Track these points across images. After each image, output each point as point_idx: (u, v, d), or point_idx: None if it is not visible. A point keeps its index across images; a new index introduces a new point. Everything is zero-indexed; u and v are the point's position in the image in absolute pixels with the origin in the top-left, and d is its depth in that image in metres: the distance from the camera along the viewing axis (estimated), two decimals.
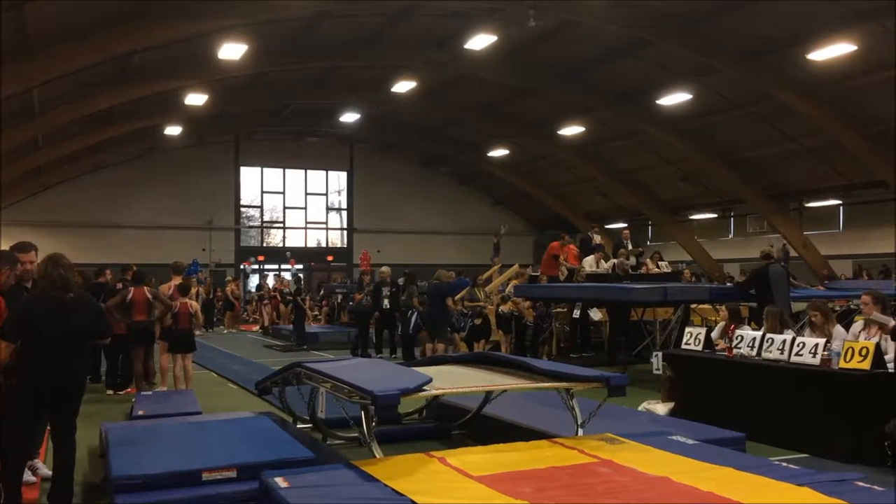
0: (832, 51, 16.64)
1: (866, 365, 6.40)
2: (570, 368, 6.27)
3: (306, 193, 33.96)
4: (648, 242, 30.10)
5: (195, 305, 10.20)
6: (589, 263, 14.52)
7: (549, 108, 24.65)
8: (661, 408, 8.29)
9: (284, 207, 33.75)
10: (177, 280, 10.43)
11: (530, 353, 13.60)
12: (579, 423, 5.81)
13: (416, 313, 14.05)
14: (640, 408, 8.34)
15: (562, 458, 4.99)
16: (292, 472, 4.73)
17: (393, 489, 4.28)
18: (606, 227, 28.23)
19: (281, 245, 33.30)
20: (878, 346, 6.54)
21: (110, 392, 10.50)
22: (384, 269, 15.45)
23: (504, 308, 13.81)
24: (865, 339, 6.82)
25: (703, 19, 17.59)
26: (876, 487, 4.38)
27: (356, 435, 6.53)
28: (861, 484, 4.44)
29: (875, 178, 21.41)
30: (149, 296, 9.99)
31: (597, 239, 15.89)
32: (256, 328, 23.55)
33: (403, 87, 22.25)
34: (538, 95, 23.86)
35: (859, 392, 6.39)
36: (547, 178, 31.67)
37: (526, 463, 4.88)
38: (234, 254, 32.06)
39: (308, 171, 33.74)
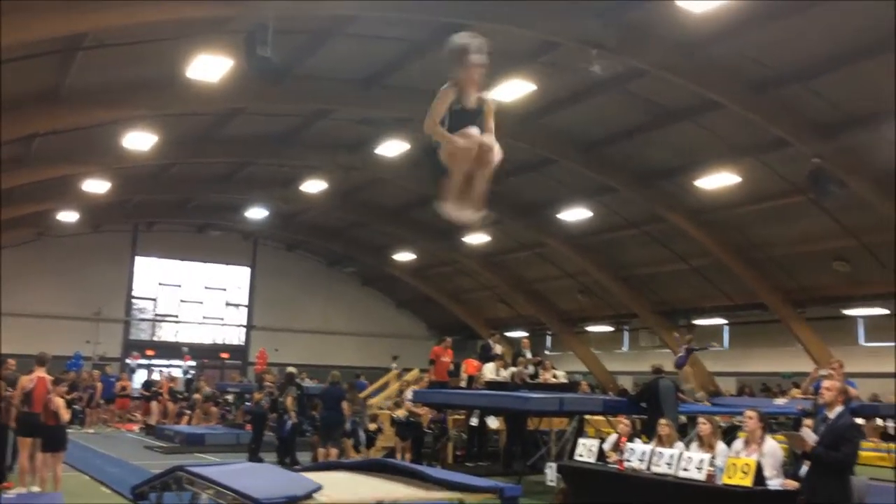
0: (717, 180, 17.99)
1: (748, 482, 6.60)
2: (464, 478, 6.20)
3: (205, 287, 33.07)
4: (547, 352, 30.60)
5: (57, 402, 9.45)
6: (489, 371, 14.62)
7: None
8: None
9: (180, 301, 32.67)
10: (40, 372, 9.71)
11: (426, 460, 13.35)
12: None
13: (288, 416, 13.64)
14: None
15: None
16: None
17: None
18: (507, 334, 28.63)
19: (173, 340, 32.00)
20: (758, 463, 6.78)
21: None
22: (290, 369, 15.09)
23: (399, 413, 13.60)
24: (746, 455, 7.06)
25: (602, 144, 18.74)
26: None
27: None
28: None
29: (756, 301, 22.77)
30: None
31: (497, 348, 16.08)
32: (136, 427, 22.20)
33: (313, 187, 22.42)
34: None
35: None
36: (450, 284, 32.08)
37: None
38: (120, 347, 30.53)
39: (208, 265, 33.01)
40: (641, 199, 20.61)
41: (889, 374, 20.88)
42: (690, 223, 20.75)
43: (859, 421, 9.06)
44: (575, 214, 21.91)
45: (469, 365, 15.43)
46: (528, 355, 15.84)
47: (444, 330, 34.34)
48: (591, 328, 30.23)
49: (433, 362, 15.46)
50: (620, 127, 17.76)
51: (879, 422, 16.32)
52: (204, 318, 32.93)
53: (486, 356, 15.55)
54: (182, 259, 32.41)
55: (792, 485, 6.68)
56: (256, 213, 26.22)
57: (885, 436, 16.23)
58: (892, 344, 22.03)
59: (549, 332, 32.00)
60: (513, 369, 14.62)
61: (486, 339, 21.02)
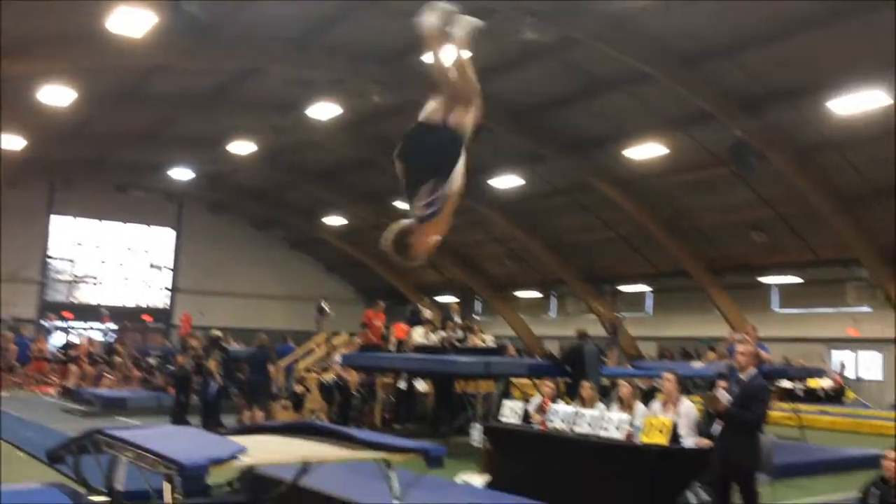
0: (645, 150, 18.36)
1: (664, 440, 6.85)
2: (390, 439, 6.23)
3: (126, 249, 32.09)
4: (476, 317, 30.95)
5: None
6: (418, 335, 14.69)
7: (387, 181, 25.05)
8: (478, 480, 8.41)
9: (100, 262, 31.63)
10: None
11: (355, 423, 13.41)
12: (396, 494, 5.76)
13: (212, 379, 13.47)
14: (457, 479, 8.41)
15: None
16: None
17: None
18: (436, 299, 28.80)
19: (93, 302, 31.01)
20: (674, 422, 7.04)
21: None
22: (215, 332, 14.81)
23: (327, 377, 13.60)
24: (663, 415, 7.33)
25: (534, 111, 18.83)
26: None
27: None
28: None
29: (678, 268, 23.49)
30: None
31: (426, 312, 16.15)
32: (53, 390, 21.50)
33: (241, 147, 21.86)
34: (377, 168, 24.26)
35: (656, 465, 6.82)
36: (380, 249, 31.94)
37: None
38: (36, 308, 29.41)
39: (130, 226, 31.99)
40: (571, 167, 20.89)
41: (799, 339, 21.96)
42: (618, 192, 21.18)
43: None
44: (505, 181, 22.04)
45: (398, 329, 15.47)
46: (457, 320, 15.96)
47: (374, 294, 34.31)
48: (520, 294, 30.68)
49: (365, 325, 15.45)
50: (552, 95, 17.88)
51: (787, 383, 17.14)
52: (126, 280, 32.01)
53: (415, 320, 15.61)
54: (102, 219, 31.34)
55: (705, 443, 6.96)
56: (181, 173, 25.45)
57: (792, 396, 17.06)
58: (804, 311, 23.16)
59: (479, 298, 32.34)
60: (441, 333, 14.73)
61: (414, 303, 21.11)
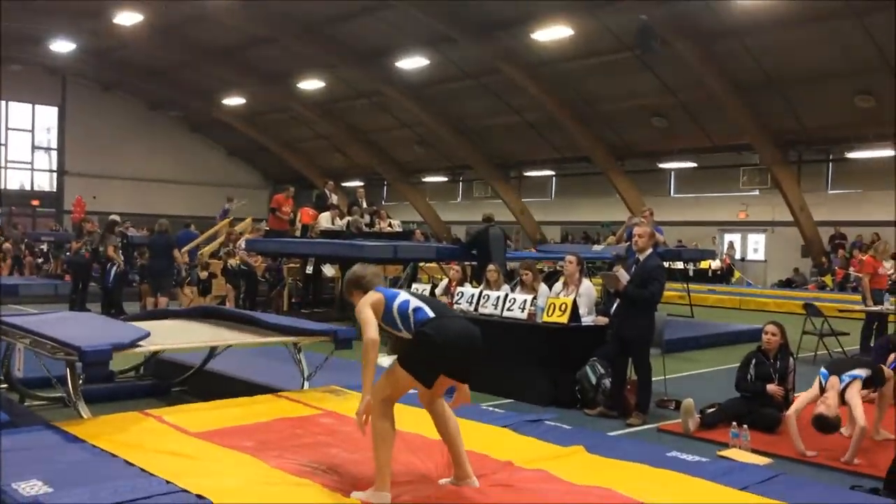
0: (552, 32, 18.16)
1: (564, 319, 7.13)
2: (299, 322, 6.26)
3: (7, 128, 29.96)
4: (383, 202, 30.90)
5: None
6: (325, 219, 14.54)
7: (290, 61, 24.08)
8: (386, 360, 8.57)
9: None
10: None
11: (262, 307, 13.38)
12: (305, 376, 5.84)
13: (114, 265, 13.07)
14: None
15: (285, 411, 4.99)
16: None
17: (101, 449, 3.98)
18: (343, 184, 28.48)
19: None
20: (574, 301, 7.33)
21: None
22: (113, 217, 14.15)
23: (232, 262, 13.41)
24: (565, 296, 7.60)
25: None
26: (564, 426, 4.96)
27: (62, 395, 5.96)
28: (551, 423, 5.00)
29: (581, 154, 23.93)
30: None
31: (333, 197, 15.94)
32: None
33: (127, 19, 20.30)
34: (278, 46, 23.17)
35: (557, 343, 7.13)
36: (285, 132, 31.07)
37: (249, 417, 4.81)
38: None
39: (10, 104, 29.74)
40: (479, 50, 20.53)
41: (693, 223, 23.05)
42: (525, 76, 21.06)
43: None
44: (413, 63, 21.52)
45: (304, 214, 15.25)
46: (364, 205, 15.85)
47: (279, 179, 33.65)
48: (427, 179, 30.68)
49: (275, 210, 15.12)
50: None
51: (680, 264, 18.06)
52: (8, 162, 30.07)
53: (322, 205, 15.41)
54: None
55: (602, 320, 7.31)
56: (63, 45, 23.54)
57: (684, 276, 18.03)
58: (698, 195, 24.20)
59: (386, 183, 32.19)
60: (348, 218, 14.63)
61: (321, 188, 20.77)
